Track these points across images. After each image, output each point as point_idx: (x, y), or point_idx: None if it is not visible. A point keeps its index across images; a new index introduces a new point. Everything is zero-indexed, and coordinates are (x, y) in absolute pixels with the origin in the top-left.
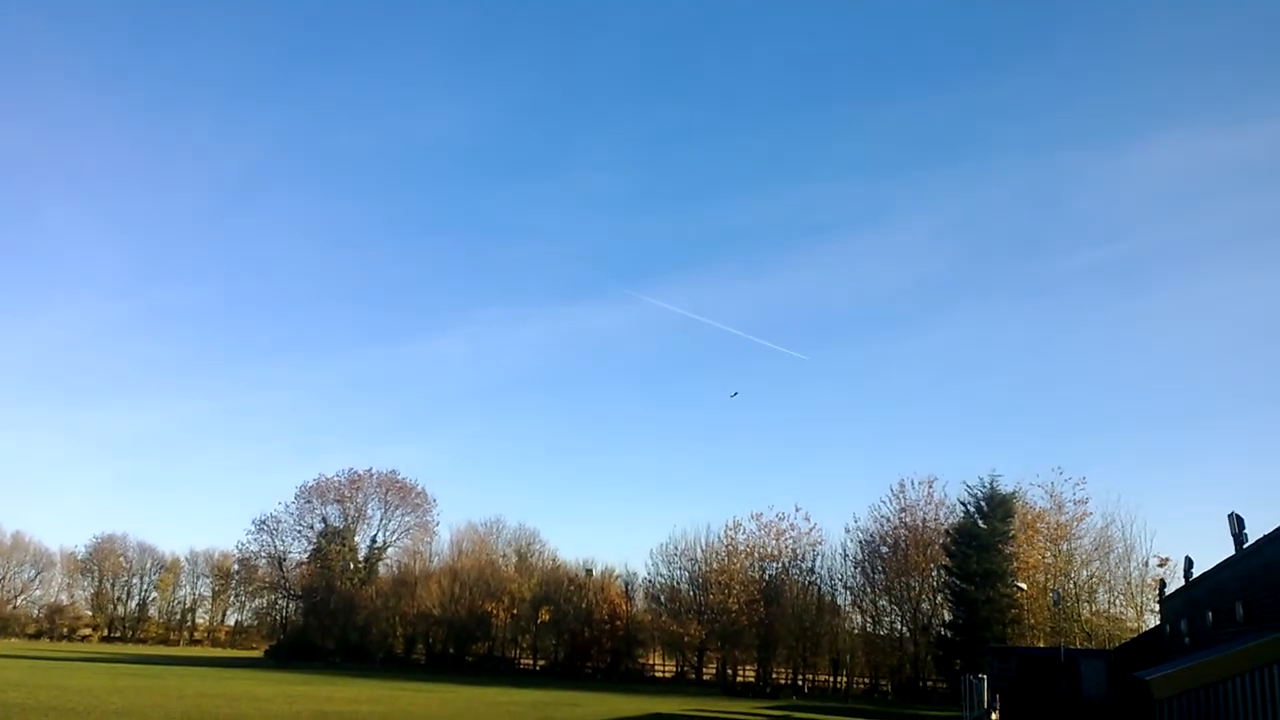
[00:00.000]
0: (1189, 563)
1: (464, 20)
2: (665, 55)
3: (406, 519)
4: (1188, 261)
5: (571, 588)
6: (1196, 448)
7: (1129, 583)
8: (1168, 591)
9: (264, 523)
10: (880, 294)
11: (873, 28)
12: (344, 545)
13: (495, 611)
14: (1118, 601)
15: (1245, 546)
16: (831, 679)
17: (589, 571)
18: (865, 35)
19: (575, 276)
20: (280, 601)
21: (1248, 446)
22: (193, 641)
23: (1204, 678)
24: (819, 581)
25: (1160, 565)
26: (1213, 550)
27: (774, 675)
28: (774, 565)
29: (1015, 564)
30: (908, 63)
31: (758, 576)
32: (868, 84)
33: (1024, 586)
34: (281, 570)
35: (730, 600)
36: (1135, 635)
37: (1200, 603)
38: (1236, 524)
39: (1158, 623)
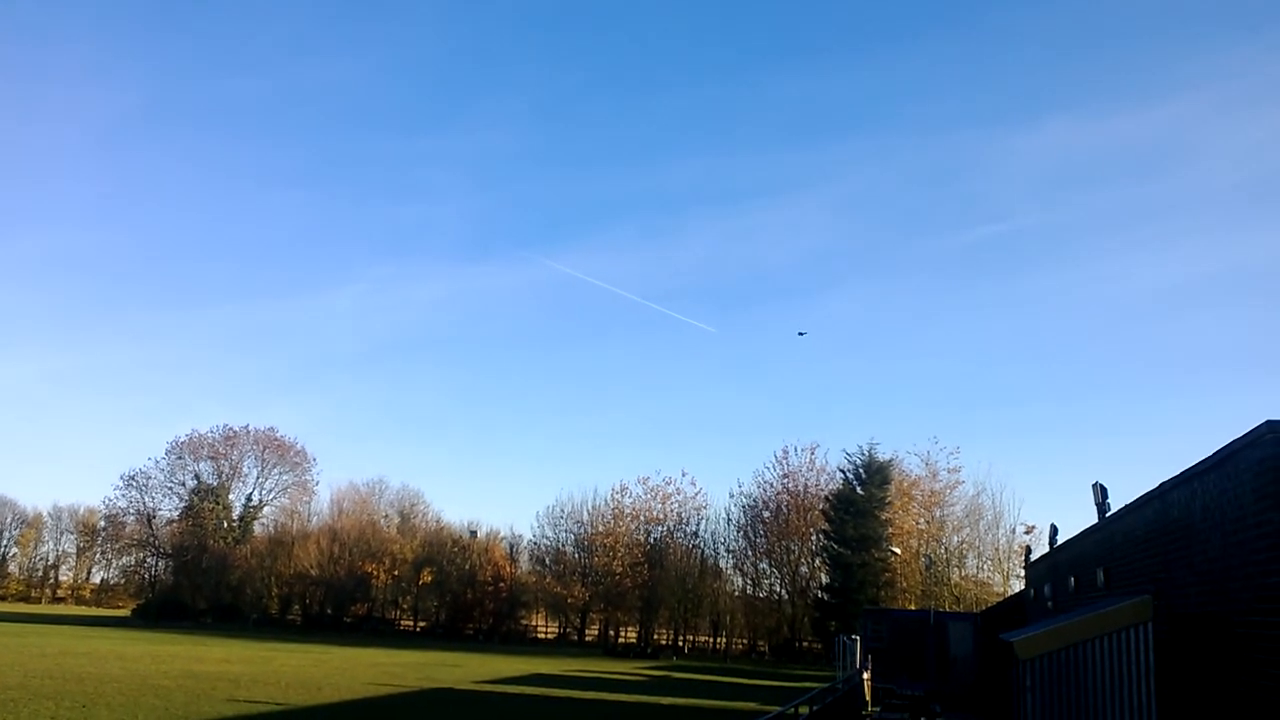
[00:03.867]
0: (1054, 530)
1: None
2: (568, 20)
3: (284, 478)
4: (1067, 242)
5: (455, 549)
6: (1065, 421)
7: (997, 549)
8: (1033, 558)
9: (133, 478)
10: (776, 265)
11: (772, 1)
12: (218, 503)
13: (376, 573)
14: (985, 566)
15: (1107, 515)
16: (711, 640)
17: (474, 533)
18: (768, 9)
19: (470, 237)
20: (149, 560)
21: (1114, 421)
22: (55, 600)
23: (1065, 639)
24: (702, 545)
25: (1027, 532)
26: (1077, 519)
27: (655, 636)
28: (659, 529)
29: (890, 529)
30: (808, 38)
31: (643, 540)
32: (768, 58)
33: (898, 551)
34: (151, 528)
35: (615, 563)
36: (1001, 599)
37: (1063, 568)
38: (1099, 493)
39: (1023, 587)
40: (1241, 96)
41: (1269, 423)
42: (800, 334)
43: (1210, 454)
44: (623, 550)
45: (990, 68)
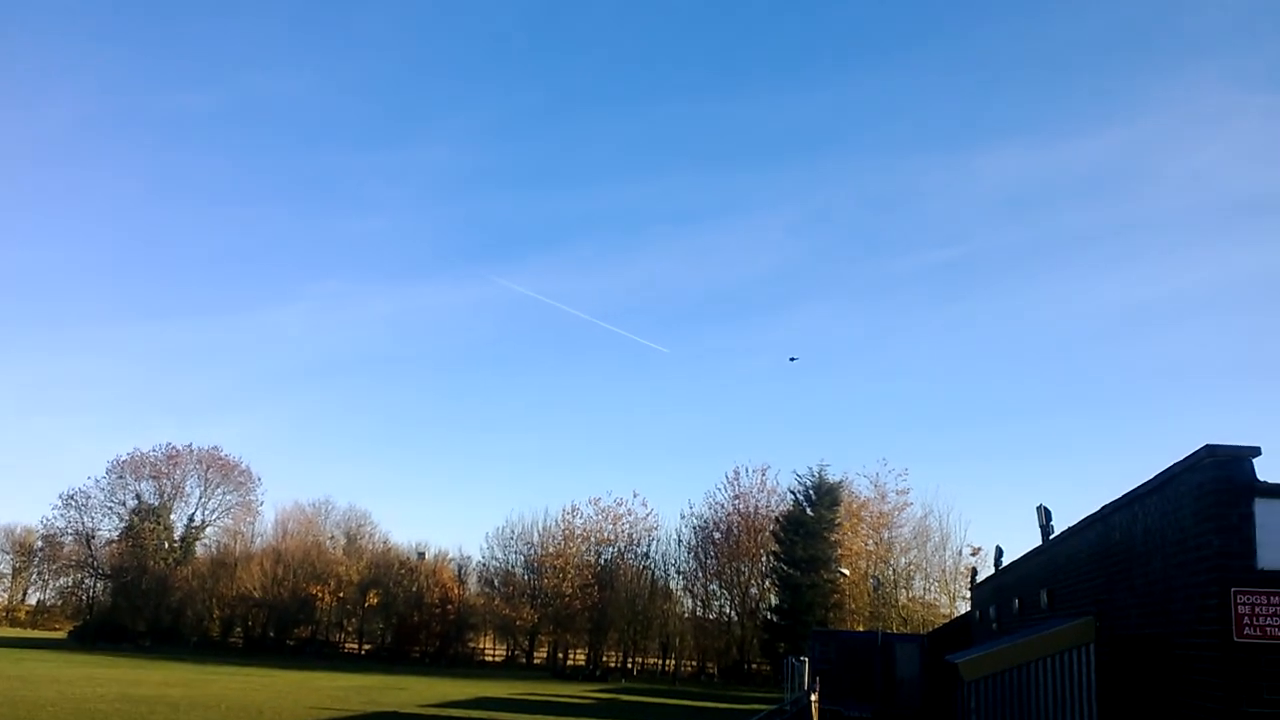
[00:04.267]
0: (999, 552)
1: None
2: (523, 37)
3: (228, 497)
4: (1016, 267)
5: (402, 571)
6: (1012, 443)
7: (943, 570)
8: (979, 579)
9: (72, 498)
10: (731, 285)
11: (733, 21)
12: (159, 523)
13: (320, 594)
14: (932, 588)
15: (1051, 538)
16: (661, 662)
17: (421, 554)
18: (726, 28)
19: (422, 254)
20: (87, 581)
21: (1059, 444)
22: None
23: (1010, 661)
24: (653, 566)
25: (973, 554)
26: (1022, 541)
27: (604, 659)
28: (610, 550)
29: (839, 551)
30: (766, 60)
31: (593, 561)
32: (725, 77)
33: (846, 572)
34: (90, 548)
35: (565, 584)
36: (947, 620)
37: (1008, 590)
38: (1044, 516)
39: (969, 609)
40: (1194, 120)
41: (1208, 447)
42: (791, 359)
43: (1151, 478)
44: (573, 572)
45: (947, 91)
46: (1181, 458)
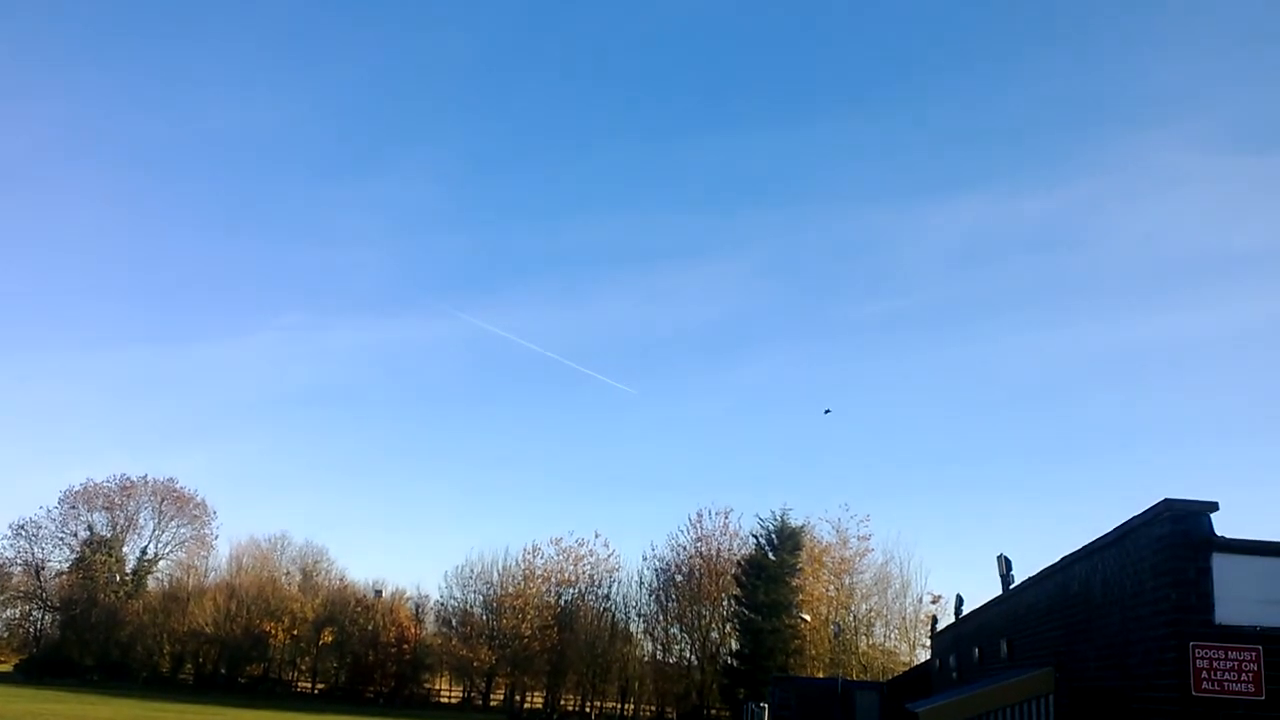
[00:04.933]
0: (959, 600)
1: (287, 13)
2: (493, 73)
3: (182, 530)
4: (973, 317)
5: (358, 609)
6: (972, 492)
7: (904, 617)
8: (939, 627)
9: (22, 527)
10: (693, 327)
11: (698, 68)
12: (110, 555)
13: (274, 631)
14: (892, 635)
15: (1011, 587)
16: (620, 706)
17: (379, 592)
18: (692, 74)
19: (386, 288)
20: (36, 612)
21: (1018, 494)
22: None
23: (970, 710)
24: (613, 608)
25: (933, 602)
26: (982, 590)
27: (562, 701)
28: (570, 591)
29: (801, 596)
30: (728, 108)
31: (553, 601)
32: (691, 121)
33: (807, 618)
34: (39, 579)
35: (524, 625)
36: (907, 668)
37: (968, 639)
38: (1004, 565)
39: (929, 657)
40: (1146, 182)
41: (1167, 501)
42: (826, 411)
43: (1110, 530)
44: (532, 612)
45: (904, 143)
46: (1140, 511)
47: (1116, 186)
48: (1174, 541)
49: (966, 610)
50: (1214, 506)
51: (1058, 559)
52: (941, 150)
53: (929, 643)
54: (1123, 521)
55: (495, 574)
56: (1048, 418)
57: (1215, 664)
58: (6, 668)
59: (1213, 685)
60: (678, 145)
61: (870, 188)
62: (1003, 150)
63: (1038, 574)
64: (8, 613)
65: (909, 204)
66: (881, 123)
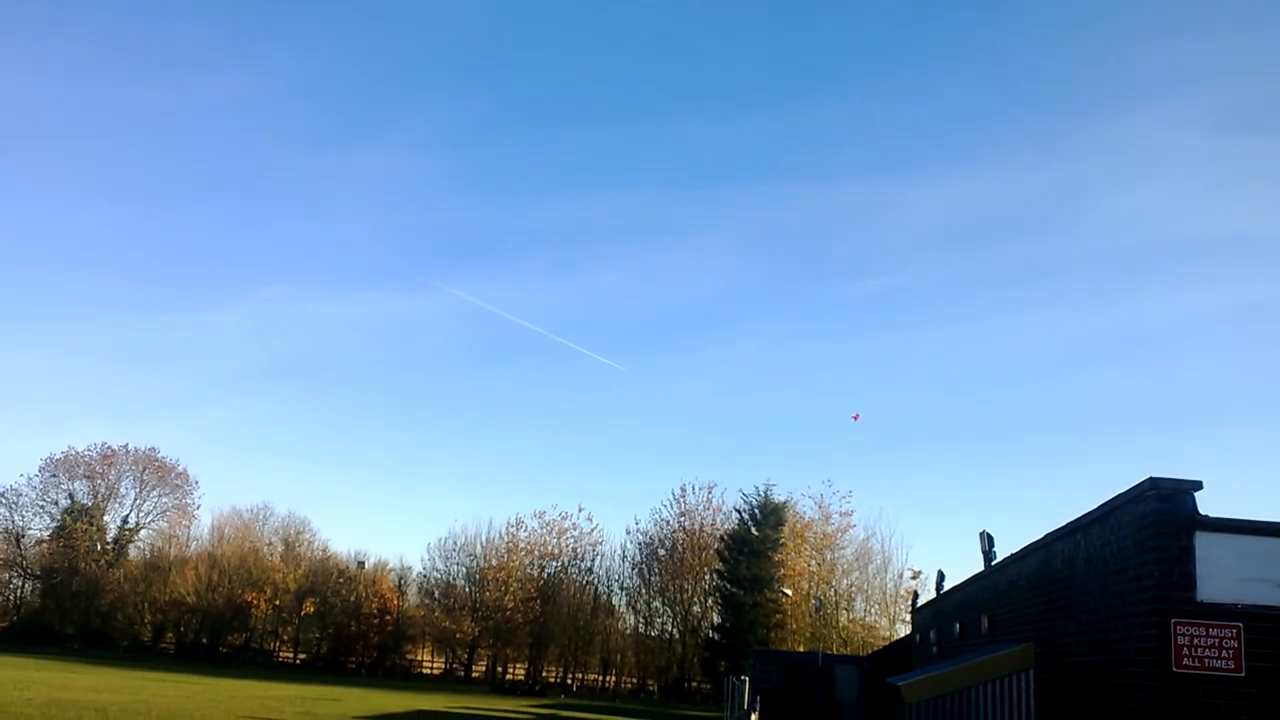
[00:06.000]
0: (940, 576)
1: None
2: (475, 46)
3: (164, 500)
4: (954, 297)
5: (341, 580)
6: (954, 470)
7: (884, 593)
8: (919, 603)
9: (2, 495)
10: (680, 304)
11: (683, 45)
12: (91, 524)
13: (256, 602)
14: (873, 610)
15: (993, 564)
16: (601, 678)
17: (361, 564)
18: (676, 51)
19: (368, 260)
20: (15, 580)
21: (1002, 471)
22: None
23: (951, 685)
24: (596, 581)
25: (914, 578)
26: (963, 566)
27: (544, 674)
28: (553, 564)
29: (783, 571)
30: (712, 84)
31: (536, 575)
32: (676, 98)
33: (789, 593)
34: (19, 547)
35: (507, 598)
36: (887, 643)
37: (949, 614)
38: (986, 541)
39: (909, 632)
40: (1131, 162)
41: (1151, 479)
42: (854, 417)
43: (1094, 508)
44: (515, 585)
45: (888, 122)
46: (1125, 489)
47: (1103, 167)
48: (1158, 519)
49: (948, 586)
50: (1198, 485)
51: (1040, 536)
52: (928, 129)
53: (909, 618)
54: (1107, 499)
55: (478, 546)
56: (1032, 398)
57: (1196, 640)
58: None
59: (1193, 661)
60: (664, 122)
61: (856, 166)
62: (990, 130)
63: (1020, 550)
64: None
65: (895, 182)
66: (867, 101)
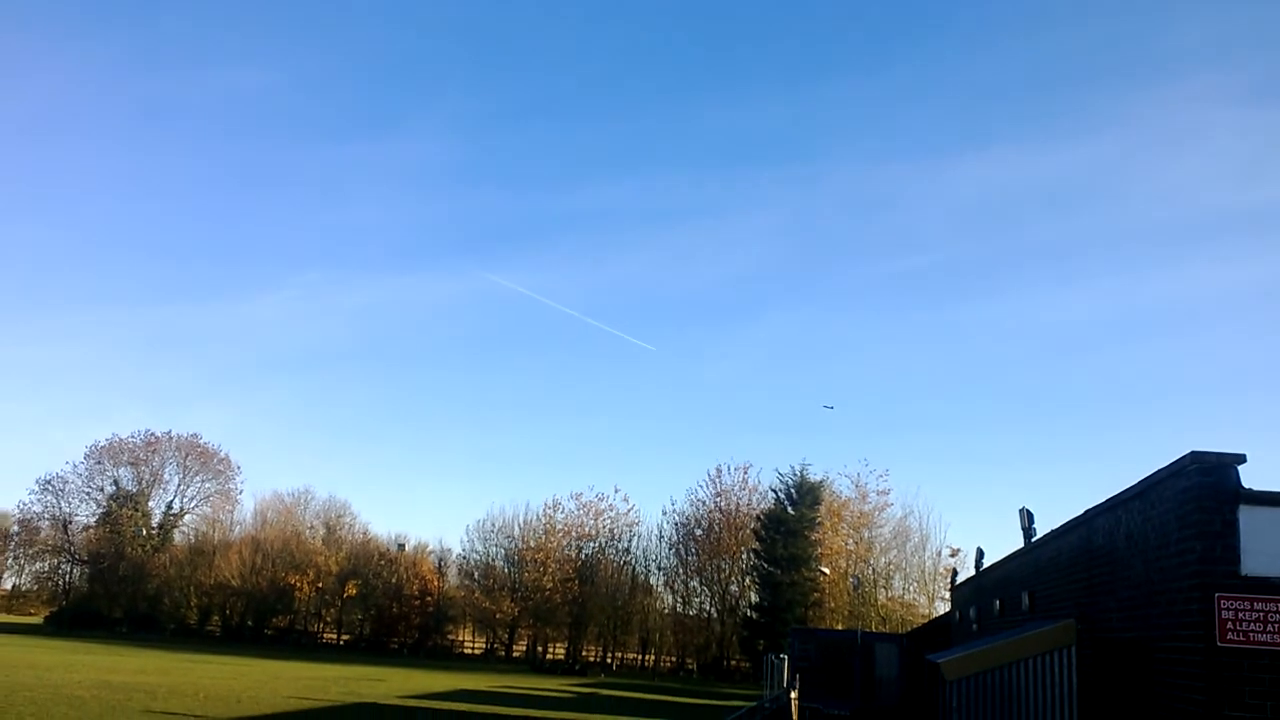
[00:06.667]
0: (980, 553)
1: None
2: (514, 28)
3: (207, 485)
4: (990, 275)
5: (382, 562)
6: (992, 448)
7: (923, 571)
8: (958, 580)
9: (49, 483)
10: (713, 285)
11: (718, 25)
12: (137, 510)
13: (299, 584)
14: (911, 588)
15: (1033, 540)
16: (640, 657)
17: (401, 546)
18: (711, 32)
19: (404, 247)
20: (64, 566)
21: (1041, 448)
22: None
23: (991, 661)
24: (634, 562)
25: (952, 555)
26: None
27: (584, 653)
28: (591, 545)
29: (820, 550)
30: (742, 66)
31: (574, 555)
32: (710, 79)
33: (826, 571)
34: (67, 533)
35: (545, 578)
36: (926, 621)
37: (989, 591)
38: (1026, 518)
39: (948, 609)
40: (1168, 136)
41: (1193, 453)
42: (827, 408)
43: (1136, 482)
44: (553, 566)
45: (923, 100)
46: (1166, 464)
47: (1139, 141)
48: (1200, 493)
49: (987, 563)
50: (1241, 459)
51: (1081, 512)
52: (960, 106)
53: (948, 595)
54: (1148, 474)
55: (516, 528)
56: (1069, 374)
57: (1241, 615)
58: (36, 620)
59: (1238, 636)
60: (693, 103)
61: (887, 145)
62: (1022, 105)
63: (1061, 527)
64: (37, 566)
65: (926, 161)
66: (898, 79)
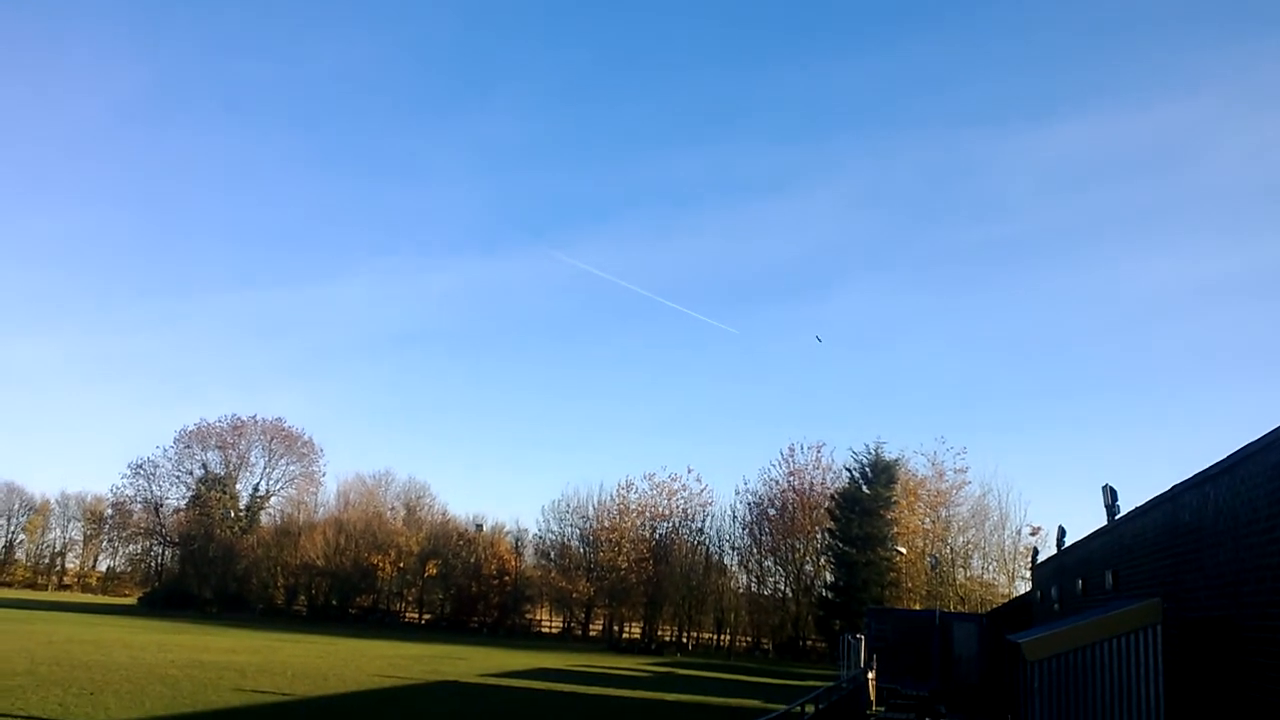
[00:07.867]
0: (1061, 532)
1: None
2: (579, 11)
3: (291, 468)
4: (1078, 242)
5: (461, 542)
6: (1074, 422)
7: (1002, 550)
8: (1039, 559)
9: (140, 467)
10: (785, 260)
11: None
12: (225, 493)
13: (381, 564)
14: (990, 568)
15: (1116, 518)
16: (715, 637)
17: (479, 527)
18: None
19: (480, 228)
20: (156, 548)
21: (1124, 422)
22: (62, 587)
23: (1074, 641)
24: (707, 542)
25: (1033, 534)
26: (1084, 522)
27: (659, 633)
28: (664, 525)
29: (895, 529)
30: (816, 31)
31: (648, 535)
32: (782, 47)
33: (903, 550)
34: (158, 516)
35: (620, 558)
36: (1006, 600)
37: (1071, 570)
38: (1109, 496)
39: (1029, 589)
40: (1250, 95)
41: None
42: (817, 339)
43: (1224, 457)
44: (628, 546)
45: (999, 65)
46: (1257, 436)
47: (1221, 103)
48: None
49: (1068, 542)
50: None
51: (1167, 488)
52: (1039, 71)
53: (1029, 575)
54: (1238, 448)
55: (591, 508)
56: (1156, 343)
57: None
58: (130, 601)
59: None
60: (767, 73)
61: (966, 111)
62: (1098, 70)
63: (1145, 504)
64: (130, 548)
65: (1007, 127)
66: (977, 44)
